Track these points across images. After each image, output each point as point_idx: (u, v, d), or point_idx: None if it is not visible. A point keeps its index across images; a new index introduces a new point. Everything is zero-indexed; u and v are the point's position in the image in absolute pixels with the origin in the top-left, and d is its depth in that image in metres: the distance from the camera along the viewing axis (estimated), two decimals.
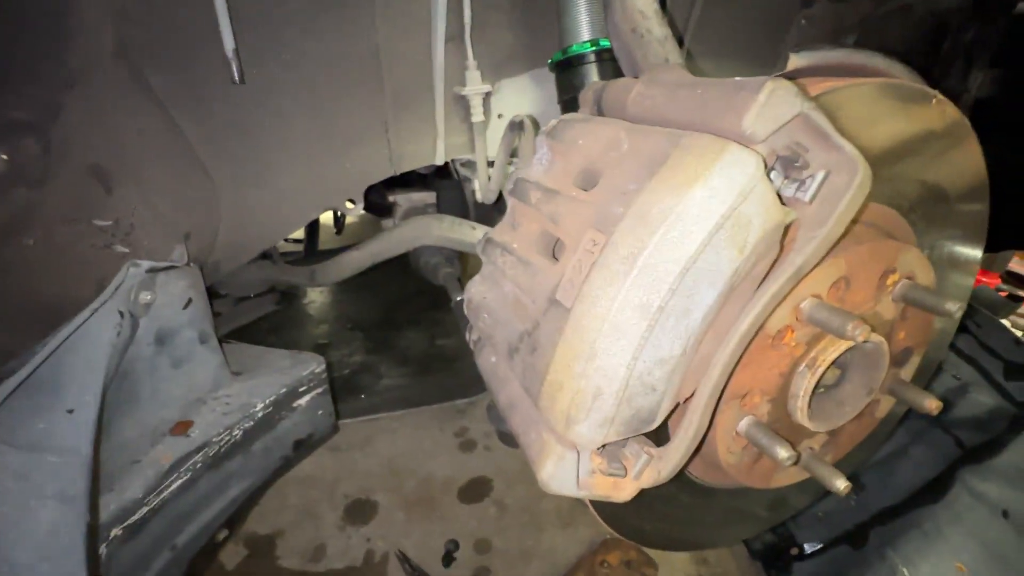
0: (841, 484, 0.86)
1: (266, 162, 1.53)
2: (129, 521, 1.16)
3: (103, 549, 1.11)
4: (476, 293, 0.89)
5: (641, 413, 0.68)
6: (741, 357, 0.75)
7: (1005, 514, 1.56)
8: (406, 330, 3.50)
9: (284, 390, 1.55)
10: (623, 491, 0.76)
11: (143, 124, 1.28)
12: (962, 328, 1.81)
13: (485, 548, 2.10)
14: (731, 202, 0.58)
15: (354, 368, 3.17)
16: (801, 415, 0.87)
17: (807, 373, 0.85)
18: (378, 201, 2.55)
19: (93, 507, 0.89)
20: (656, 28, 1.04)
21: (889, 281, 0.87)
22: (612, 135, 0.73)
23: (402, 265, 2.45)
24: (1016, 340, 1.71)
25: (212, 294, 2.07)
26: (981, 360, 1.78)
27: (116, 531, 1.14)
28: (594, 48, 1.33)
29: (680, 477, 1.03)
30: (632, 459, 0.75)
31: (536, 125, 1.30)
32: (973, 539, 1.60)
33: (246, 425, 1.45)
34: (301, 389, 1.61)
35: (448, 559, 2.06)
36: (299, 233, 3.54)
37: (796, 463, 0.89)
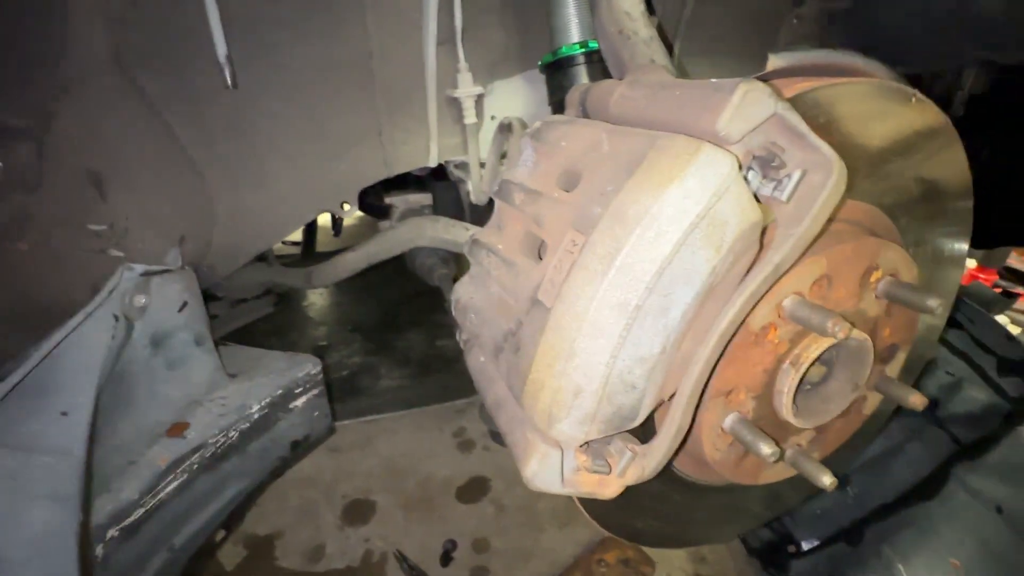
0: (827, 480, 0.87)
1: (260, 165, 1.55)
2: (126, 522, 1.18)
3: (100, 550, 1.12)
4: (463, 294, 0.90)
5: (622, 411, 0.69)
6: (723, 354, 0.76)
7: (999, 510, 1.56)
8: (406, 331, 3.52)
9: (280, 392, 1.56)
10: (608, 488, 0.77)
11: (137, 129, 1.29)
12: (956, 324, 1.82)
13: (483, 548, 2.11)
14: (706, 202, 0.59)
15: (354, 369, 3.18)
16: (786, 412, 0.88)
17: (791, 370, 0.85)
18: (375, 203, 2.56)
19: (86, 508, 0.90)
20: (642, 29, 1.05)
21: (872, 278, 0.88)
22: (593, 136, 0.74)
23: (402, 267, 2.46)
24: (1009, 336, 1.72)
25: (209, 297, 2.10)
26: (974, 356, 1.78)
27: (113, 532, 1.15)
28: (583, 50, 1.34)
29: (670, 475, 1.04)
30: (616, 456, 0.76)
31: (525, 127, 1.32)
32: (968, 535, 1.61)
33: (242, 427, 1.46)
34: (297, 391, 1.62)
35: (446, 559, 2.07)
36: (297, 236, 3.56)
37: (780, 459, 0.90)
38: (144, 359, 1.25)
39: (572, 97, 0.96)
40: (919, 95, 0.85)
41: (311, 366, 1.65)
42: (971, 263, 3.27)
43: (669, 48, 1.26)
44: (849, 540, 1.88)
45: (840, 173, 0.65)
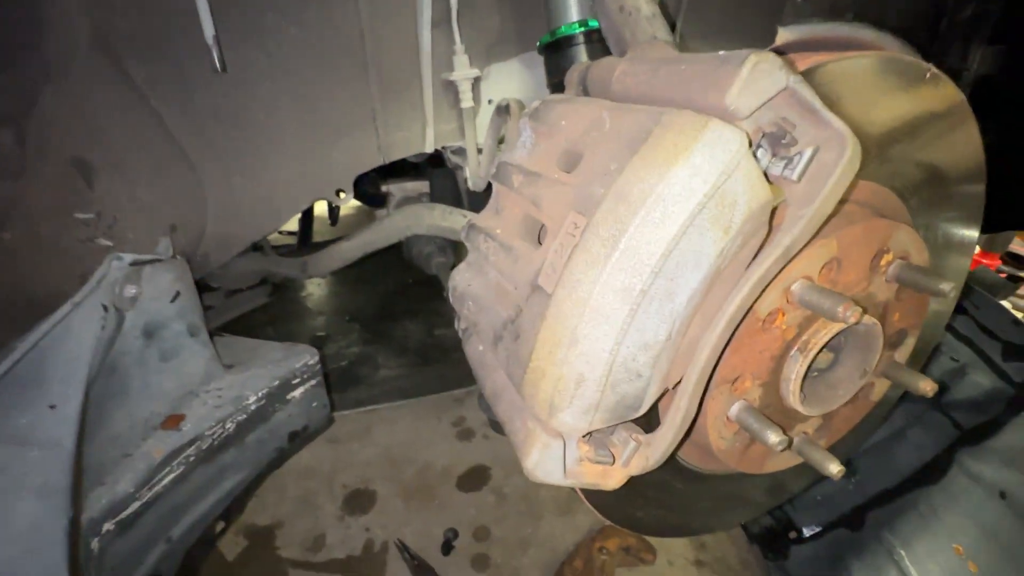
0: (835, 468, 0.85)
1: (252, 152, 1.51)
2: (121, 515, 1.16)
3: (95, 543, 1.11)
4: (461, 281, 0.88)
5: (627, 400, 0.67)
6: (730, 341, 0.74)
7: (1003, 495, 1.56)
8: (404, 321, 3.50)
9: (277, 382, 1.55)
10: (611, 479, 0.75)
11: (124, 115, 1.25)
12: (961, 310, 1.79)
13: (484, 536, 2.11)
14: (714, 180, 0.56)
15: (352, 359, 3.17)
16: (793, 399, 0.86)
17: (799, 356, 0.83)
18: (372, 191, 2.53)
19: (77, 502, 0.88)
20: (644, 6, 1.01)
21: (883, 261, 0.86)
22: (594, 114, 0.71)
23: (400, 256, 2.43)
24: (1015, 321, 1.70)
25: (203, 287, 2.07)
26: (979, 341, 1.76)
27: (108, 525, 1.14)
28: (583, 29, 1.29)
29: (673, 463, 1.02)
30: (620, 446, 0.74)
31: (523, 108, 1.28)
32: (970, 521, 1.60)
33: (239, 418, 1.45)
34: (295, 381, 1.60)
35: (447, 547, 2.06)
36: (294, 226, 3.52)
37: (787, 448, 0.88)
38: (137, 350, 1.23)
39: (572, 76, 0.93)
40: (934, 70, 0.82)
41: (309, 356, 1.63)
42: None
43: (672, 27, 1.22)
44: (850, 526, 1.87)
45: (854, 150, 0.62)
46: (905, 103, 0.85)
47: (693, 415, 0.71)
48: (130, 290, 1.17)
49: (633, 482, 0.78)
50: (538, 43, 1.42)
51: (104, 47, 1.23)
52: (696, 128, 0.56)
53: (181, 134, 1.36)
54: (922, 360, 1.28)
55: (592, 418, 0.66)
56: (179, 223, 1.36)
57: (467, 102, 1.59)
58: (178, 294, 1.31)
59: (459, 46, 1.52)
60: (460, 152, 1.82)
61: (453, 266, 2.11)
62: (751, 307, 0.73)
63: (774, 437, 0.77)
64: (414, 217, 1.79)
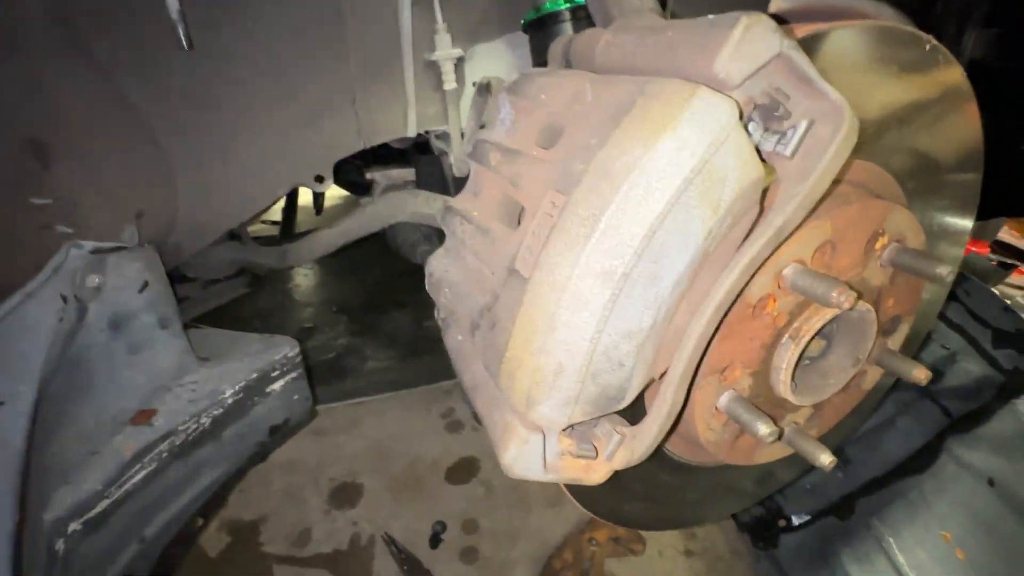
0: (826, 459, 0.82)
1: (226, 135, 1.44)
2: (89, 515, 1.11)
3: (60, 544, 1.06)
4: (438, 267, 0.83)
5: (609, 391, 0.63)
6: (719, 328, 0.70)
7: (991, 482, 1.55)
8: (392, 312, 3.45)
9: (255, 375, 1.49)
10: (595, 474, 0.72)
11: (84, 94, 1.18)
12: (951, 297, 1.78)
13: (473, 528, 2.09)
14: (702, 153, 0.51)
15: (340, 351, 3.12)
16: (784, 388, 0.82)
17: (790, 344, 0.80)
18: (356, 179, 2.46)
19: (25, 503, 0.83)
20: None
21: (877, 245, 0.82)
22: (576, 87, 0.66)
23: (388, 246, 2.37)
24: (1006, 307, 1.68)
25: (178, 277, 2.00)
26: (970, 328, 1.74)
27: (75, 525, 1.09)
28: (569, 5, 1.24)
29: (659, 455, 0.99)
30: (603, 439, 0.70)
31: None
32: (959, 508, 1.60)
33: (215, 412, 1.40)
34: (274, 374, 1.55)
35: (435, 541, 2.04)
36: (279, 215, 3.44)
37: (779, 439, 0.85)
38: (102, 343, 1.17)
39: (554, 50, 0.88)
40: (934, 41, 0.78)
41: (288, 348, 1.58)
42: None
43: (662, 2, 1.17)
44: (839, 514, 1.87)
45: (851, 124, 0.58)
46: (903, 76, 0.80)
47: (680, 407, 0.68)
48: (93, 280, 1.11)
49: (618, 475, 0.74)
50: (522, 21, 1.36)
51: (62, 21, 1.16)
52: (683, 97, 0.52)
53: (148, 115, 1.29)
54: (914, 348, 1.25)
55: (572, 411, 0.62)
56: (147, 209, 1.30)
57: (450, 84, 1.54)
58: (147, 284, 1.25)
59: (441, 24, 1.46)
60: (445, 137, 1.76)
61: None
62: (741, 292, 0.69)
63: (764, 428, 0.74)
64: (397, 204, 1.73)
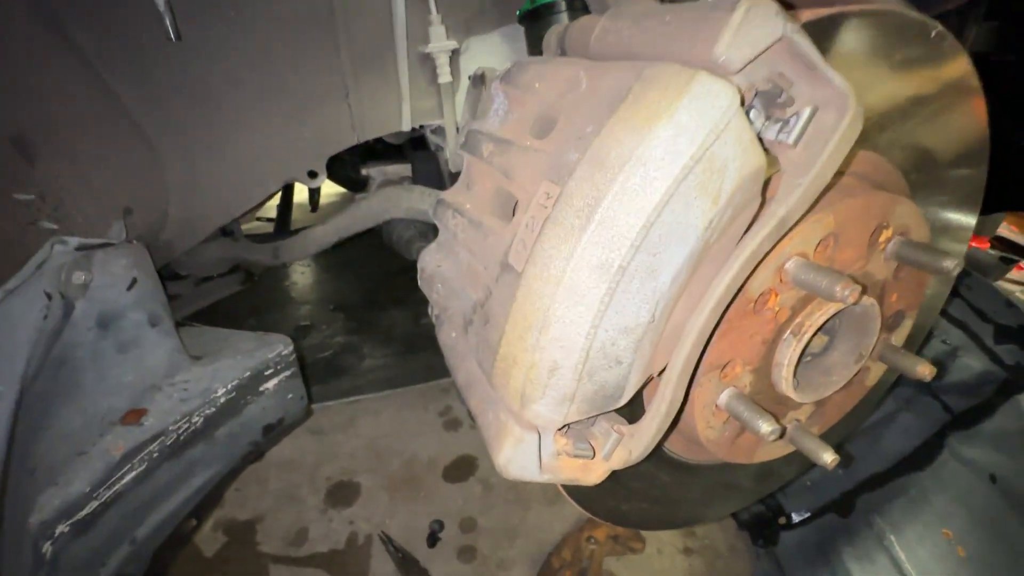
0: (828, 457, 0.81)
1: (216, 130, 1.42)
2: (77, 516, 1.09)
3: (47, 547, 1.04)
4: (430, 262, 0.81)
5: (606, 389, 0.61)
6: (719, 324, 0.68)
7: (993, 479, 1.53)
8: (389, 310, 3.43)
9: (248, 374, 1.47)
10: (592, 474, 0.70)
11: (69, 88, 1.16)
12: (953, 292, 1.76)
13: (470, 527, 2.07)
14: (701, 141, 0.49)
15: (336, 349, 3.10)
16: (786, 385, 0.80)
17: (792, 340, 0.78)
18: (351, 175, 2.43)
19: (2, 505, 0.81)
20: None
21: (881, 238, 0.80)
22: (571, 74, 0.64)
23: (384, 244, 2.34)
24: (1008, 303, 1.66)
25: (170, 275, 1.98)
26: (971, 324, 1.73)
27: (62, 527, 1.07)
28: None
29: (658, 454, 0.97)
30: (601, 439, 0.68)
31: None
32: (959, 505, 1.58)
33: (207, 411, 1.37)
34: (267, 372, 1.53)
35: (433, 539, 2.02)
36: (274, 212, 3.42)
37: (780, 437, 0.83)
38: (90, 342, 1.15)
39: (549, 39, 0.85)
40: (940, 28, 0.76)
41: (282, 346, 1.55)
42: None
43: None
44: (840, 511, 1.86)
45: (856, 111, 0.55)
46: (908, 63, 0.78)
47: (679, 404, 0.66)
48: (79, 277, 1.09)
49: (616, 474, 0.72)
50: (518, 12, 1.33)
51: (45, 13, 1.13)
52: (682, 82, 0.50)
53: (135, 109, 1.26)
54: (916, 344, 1.23)
55: (568, 409, 0.60)
56: (135, 205, 1.27)
57: (445, 77, 1.51)
58: (135, 281, 1.22)
59: (435, 16, 1.43)
60: (441, 132, 1.74)
61: None
62: (742, 287, 0.67)
63: (766, 427, 0.72)
64: (392, 200, 1.71)
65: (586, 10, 1.20)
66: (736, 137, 0.51)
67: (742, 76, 0.55)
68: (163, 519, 1.32)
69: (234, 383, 1.43)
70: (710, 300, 0.60)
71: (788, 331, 0.78)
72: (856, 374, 0.90)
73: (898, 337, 0.94)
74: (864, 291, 0.76)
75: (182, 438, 1.32)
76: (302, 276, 3.93)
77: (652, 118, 0.49)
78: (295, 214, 3.33)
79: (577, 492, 0.93)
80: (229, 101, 1.40)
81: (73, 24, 1.17)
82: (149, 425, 1.25)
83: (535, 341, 0.55)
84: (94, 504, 1.13)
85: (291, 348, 1.56)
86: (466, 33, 1.55)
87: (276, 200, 3.14)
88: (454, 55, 1.52)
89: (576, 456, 0.67)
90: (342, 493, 2.23)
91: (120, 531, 1.22)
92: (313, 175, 1.62)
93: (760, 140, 0.59)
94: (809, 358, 0.91)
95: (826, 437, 0.88)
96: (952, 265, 0.74)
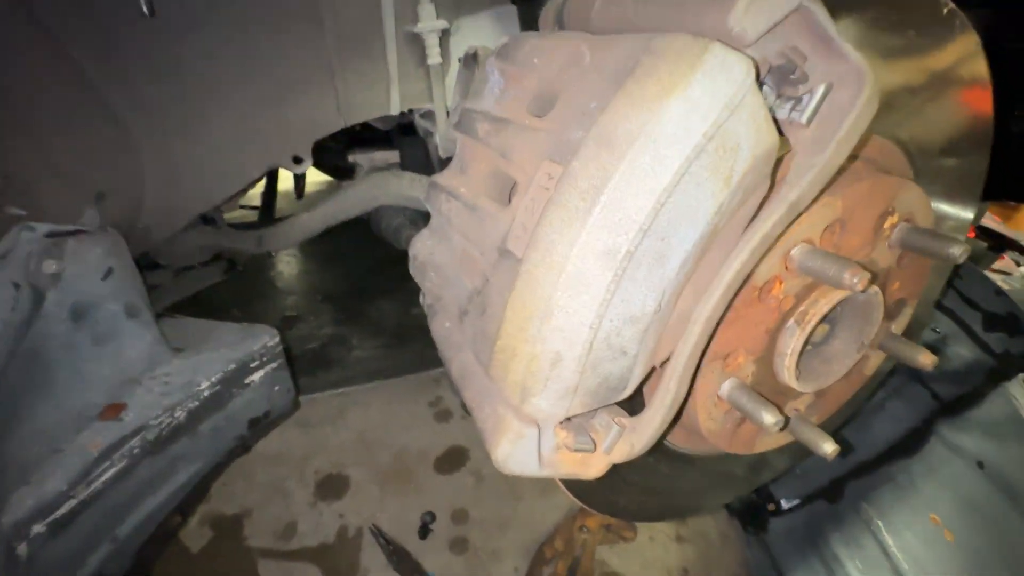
0: (829, 448, 0.80)
1: (194, 111, 1.35)
2: (54, 516, 1.05)
3: (23, 548, 0.99)
4: (422, 249, 0.77)
5: (610, 381, 0.58)
6: (725, 313, 0.66)
7: (980, 465, 1.55)
8: (378, 300, 3.37)
9: (233, 366, 1.42)
10: (592, 468, 0.67)
11: (35, 65, 1.09)
12: None
13: (462, 519, 2.05)
14: (715, 117, 0.46)
15: (324, 340, 3.04)
16: (788, 375, 0.79)
17: (796, 329, 0.76)
18: (338, 162, 2.36)
19: None
20: None
21: (886, 224, 0.78)
22: (572, 48, 0.60)
23: (373, 233, 2.29)
24: (997, 290, 1.67)
25: (150, 264, 1.91)
26: (960, 312, 1.74)
27: (38, 527, 1.03)
28: None
29: (656, 446, 0.95)
30: (602, 432, 0.66)
31: None
32: (947, 491, 1.60)
33: (190, 405, 1.33)
34: (253, 364, 1.48)
35: (424, 531, 2.00)
36: (258, 200, 3.33)
37: (783, 428, 0.81)
38: (63, 334, 1.09)
39: (546, 14, 0.81)
40: (952, 5, 0.73)
41: (268, 337, 1.51)
42: None
43: None
44: (829, 498, 1.87)
45: (872, 88, 0.53)
46: (919, 41, 0.76)
47: (684, 396, 0.63)
48: (50, 266, 1.03)
49: (615, 467, 0.70)
50: None
51: None
52: (694, 54, 0.46)
53: (107, 88, 1.19)
54: (915, 334, 1.23)
55: (570, 403, 0.57)
56: (109, 190, 1.21)
57: (434, 58, 1.46)
58: (111, 270, 1.17)
59: None
60: (430, 116, 1.69)
61: None
62: (749, 274, 0.64)
63: (770, 417, 0.70)
64: (380, 186, 1.66)
65: None
66: (750, 114, 0.48)
67: (755, 49, 0.52)
68: (146, 516, 1.28)
69: (218, 376, 1.39)
70: (718, 287, 0.57)
71: (792, 319, 0.76)
72: (856, 363, 0.89)
73: (899, 325, 0.92)
74: (874, 278, 0.74)
75: (164, 433, 1.28)
76: (288, 266, 3.85)
77: (663, 93, 0.46)
78: (280, 203, 3.25)
79: (574, 485, 0.91)
80: (206, 80, 1.33)
81: None
82: (129, 420, 1.20)
83: (536, 331, 0.52)
84: (72, 503, 1.09)
85: (277, 339, 1.51)
86: (456, 12, 1.50)
87: (260, 188, 3.06)
88: (444, 35, 1.47)
89: (577, 450, 0.65)
90: (331, 486, 2.20)
91: (100, 530, 1.18)
92: (298, 161, 1.56)
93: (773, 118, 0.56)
94: (810, 347, 0.89)
95: (823, 426, 0.87)
96: (959, 252, 0.73)
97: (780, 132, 0.56)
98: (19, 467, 1.01)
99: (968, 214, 1.08)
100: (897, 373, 1.82)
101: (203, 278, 1.95)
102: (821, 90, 0.54)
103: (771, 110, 0.57)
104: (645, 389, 0.79)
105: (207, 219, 1.91)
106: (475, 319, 0.63)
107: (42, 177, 1.07)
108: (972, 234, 3.62)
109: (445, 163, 1.85)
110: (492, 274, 0.59)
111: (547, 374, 0.54)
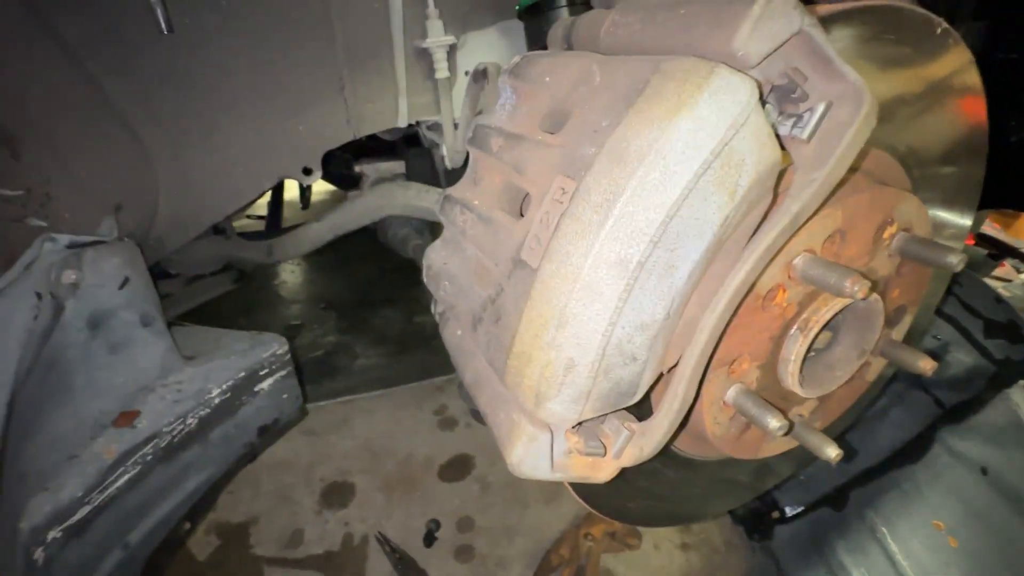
0: (833, 452, 0.81)
1: (208, 124, 1.38)
2: (69, 522, 1.06)
3: (39, 553, 1.01)
4: (436, 259, 0.80)
5: (620, 386, 0.60)
6: (730, 320, 0.68)
7: (984, 471, 1.56)
8: (382, 308, 3.40)
9: (243, 374, 1.45)
10: (602, 471, 0.69)
11: (56, 80, 1.12)
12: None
13: (468, 526, 2.06)
14: (721, 135, 0.49)
15: (329, 348, 3.06)
16: (792, 381, 0.81)
17: (799, 336, 0.78)
18: (344, 172, 2.40)
19: None
20: None
21: (886, 234, 0.81)
22: (583, 68, 0.63)
23: (378, 241, 2.32)
24: (997, 298, 1.69)
25: (161, 273, 1.94)
26: (961, 319, 1.76)
27: (54, 533, 1.04)
28: None
29: (663, 451, 0.97)
30: (612, 436, 0.68)
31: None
32: (951, 497, 1.61)
33: (201, 412, 1.35)
34: (262, 372, 1.50)
35: (430, 539, 2.01)
36: (265, 210, 3.37)
37: (788, 433, 0.83)
38: (81, 343, 1.12)
39: (555, 34, 0.84)
40: (945, 25, 0.76)
41: (277, 346, 1.53)
42: None
43: None
44: (833, 505, 1.88)
45: (870, 107, 0.55)
46: (914, 58, 0.79)
47: (691, 401, 0.65)
48: (70, 276, 1.05)
49: (623, 472, 0.72)
50: (517, 7, 1.32)
51: (28, 2, 1.09)
52: (702, 75, 0.49)
53: (123, 102, 1.23)
54: (916, 340, 1.25)
55: (583, 407, 0.59)
56: (125, 201, 1.24)
57: (442, 72, 1.49)
58: (127, 280, 1.19)
59: (432, 10, 1.42)
60: (436, 128, 1.72)
61: None
62: (753, 283, 0.67)
63: (775, 422, 0.72)
64: (388, 196, 1.69)
65: (586, 5, 1.20)
66: (754, 133, 0.51)
67: (758, 70, 0.55)
68: (157, 523, 1.30)
69: (229, 383, 1.41)
70: (724, 295, 0.59)
71: (795, 327, 0.78)
72: (858, 369, 0.91)
73: (899, 332, 0.94)
74: (874, 286, 0.77)
75: (176, 440, 1.30)
76: (292, 275, 3.88)
77: (672, 111, 0.49)
78: (285, 212, 3.29)
79: (583, 490, 0.93)
80: (221, 95, 1.37)
81: (58, 15, 1.14)
82: (142, 427, 1.22)
83: (551, 339, 0.55)
84: (86, 509, 1.10)
85: (286, 347, 1.54)
86: (463, 28, 1.54)
87: (266, 198, 3.10)
88: (451, 50, 1.51)
89: (587, 454, 0.67)
90: (337, 494, 2.21)
91: (113, 536, 1.19)
92: (308, 172, 1.59)
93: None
94: (813, 354, 0.91)
95: (826, 432, 0.89)
96: (957, 260, 0.75)
97: (782, 148, 0.59)
98: (37, 473, 1.03)
99: (966, 221, 1.10)
100: (899, 380, 1.84)
101: (213, 287, 1.97)
102: (821, 108, 0.56)
103: (774, 127, 0.60)
104: (653, 395, 0.81)
105: (218, 229, 1.94)
106: (489, 327, 0.65)
107: (62, 189, 1.10)
108: (972, 241, 3.64)
109: (450, 173, 1.89)
110: (507, 284, 0.61)
111: (561, 379, 0.57)
